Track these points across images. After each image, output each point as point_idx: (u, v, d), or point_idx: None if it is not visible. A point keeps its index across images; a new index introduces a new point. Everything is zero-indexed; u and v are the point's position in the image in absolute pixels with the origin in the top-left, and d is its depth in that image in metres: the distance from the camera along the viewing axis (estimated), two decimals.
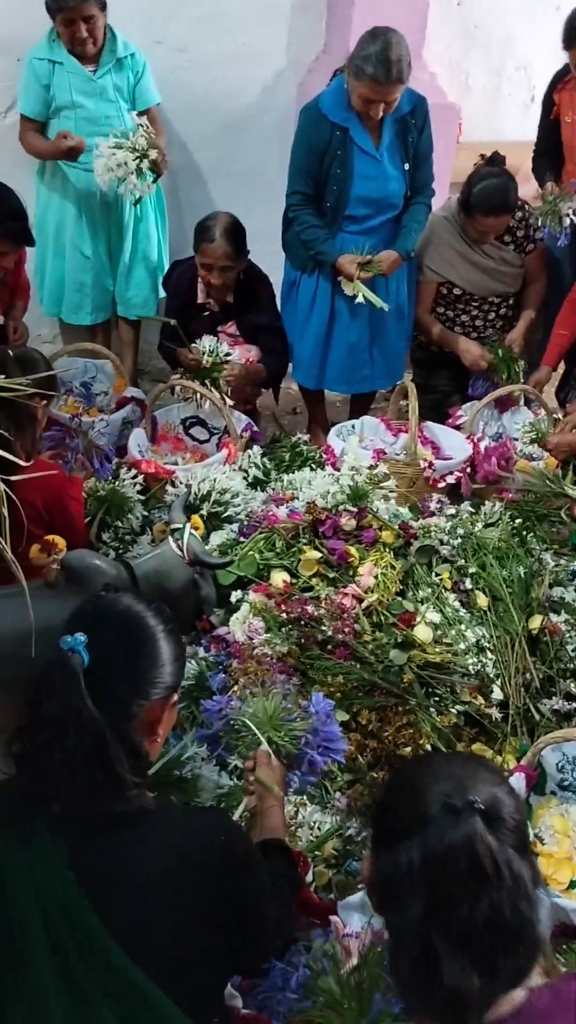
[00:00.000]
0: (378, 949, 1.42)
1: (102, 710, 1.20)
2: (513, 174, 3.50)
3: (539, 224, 3.52)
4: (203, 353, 3.29)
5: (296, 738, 1.62)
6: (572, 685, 2.27)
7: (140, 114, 3.46)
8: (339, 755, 1.68)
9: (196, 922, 1.22)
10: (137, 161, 3.25)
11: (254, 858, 1.36)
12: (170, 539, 2.29)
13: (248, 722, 1.64)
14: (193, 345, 3.32)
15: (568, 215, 3.37)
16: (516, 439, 3.54)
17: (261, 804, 1.56)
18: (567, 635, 2.43)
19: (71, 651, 1.22)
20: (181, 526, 2.30)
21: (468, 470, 3.17)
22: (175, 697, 1.36)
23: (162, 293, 3.80)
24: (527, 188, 4.22)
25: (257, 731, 1.61)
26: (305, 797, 2.00)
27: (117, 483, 2.82)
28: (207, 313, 3.53)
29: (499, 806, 1.03)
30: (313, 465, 3.13)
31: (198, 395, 3.28)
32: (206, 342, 3.33)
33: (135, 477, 2.87)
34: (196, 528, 2.40)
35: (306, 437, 3.47)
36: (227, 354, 3.33)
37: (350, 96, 3.17)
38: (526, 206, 3.57)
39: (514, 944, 0.99)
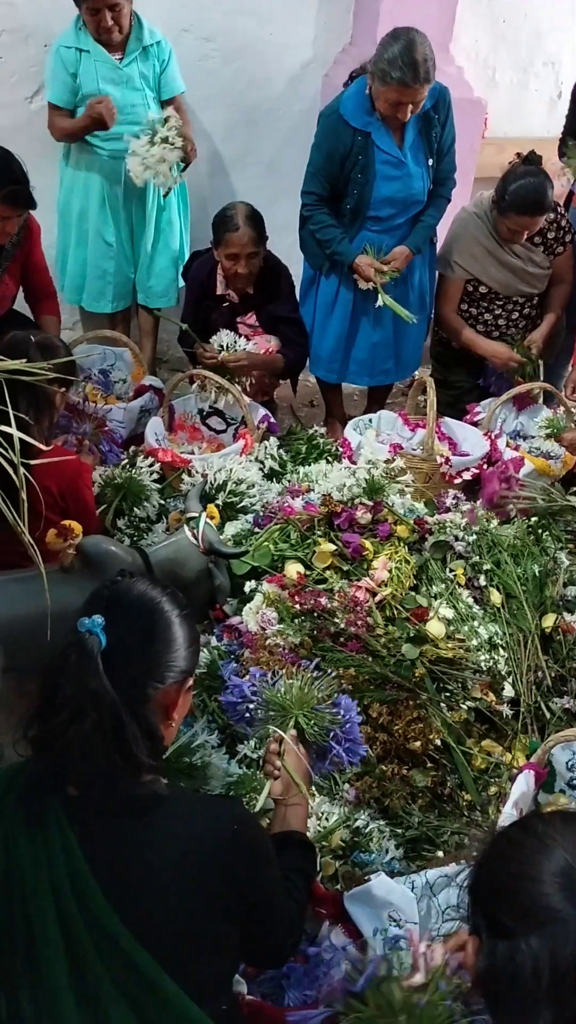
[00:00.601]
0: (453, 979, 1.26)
1: (119, 692, 1.21)
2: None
3: (571, 177, 3.44)
4: (220, 349, 3.29)
5: (324, 728, 1.59)
6: None
7: (166, 103, 3.46)
8: (359, 758, 1.66)
9: (205, 909, 1.23)
10: (176, 154, 3.25)
11: (265, 848, 1.36)
12: (185, 528, 2.30)
13: (278, 701, 1.60)
14: (209, 342, 3.32)
15: None
16: (534, 437, 3.53)
17: (285, 795, 1.54)
18: None
19: (89, 632, 1.23)
20: (197, 515, 2.31)
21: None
22: (190, 682, 1.36)
23: (182, 283, 3.81)
24: (554, 185, 4.21)
25: (287, 711, 1.58)
26: (314, 788, 2.01)
27: (134, 471, 2.83)
28: (226, 304, 3.53)
29: None
30: (329, 458, 3.14)
31: (215, 387, 3.27)
32: (223, 338, 3.33)
33: (152, 465, 2.88)
34: (212, 517, 2.41)
35: (323, 430, 3.47)
36: (234, 344, 3.33)
37: (375, 101, 3.14)
38: (559, 208, 3.54)
39: None
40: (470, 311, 3.68)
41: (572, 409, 3.40)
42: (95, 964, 1.14)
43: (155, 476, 2.87)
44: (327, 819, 1.93)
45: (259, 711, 1.63)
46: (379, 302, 3.35)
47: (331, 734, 1.60)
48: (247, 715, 1.67)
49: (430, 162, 3.35)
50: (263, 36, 4.00)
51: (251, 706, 1.64)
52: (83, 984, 1.14)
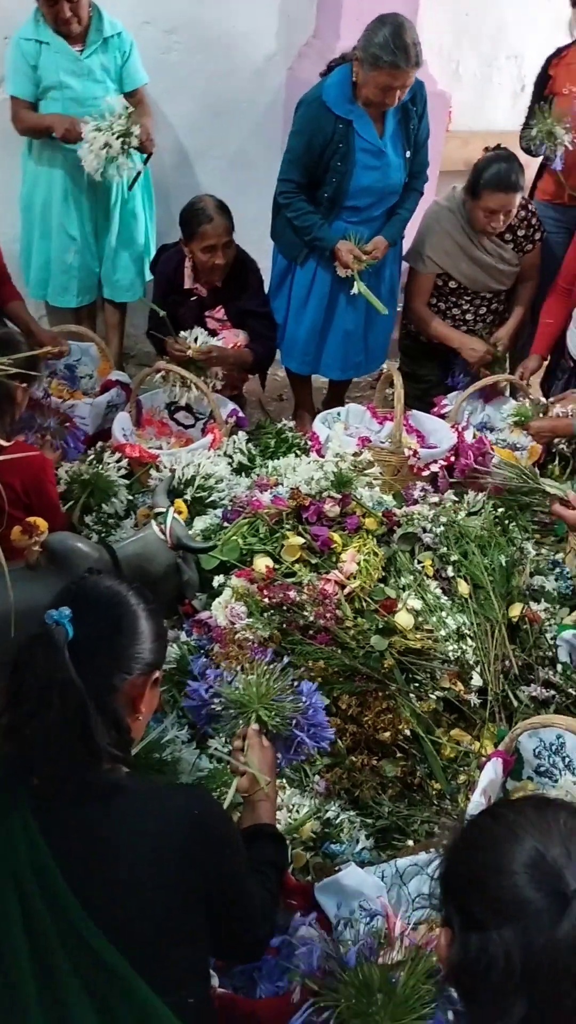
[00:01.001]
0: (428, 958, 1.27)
1: (85, 682, 1.22)
2: None
3: (534, 144, 3.48)
4: (190, 344, 3.27)
5: (286, 719, 1.60)
6: (550, 672, 2.29)
7: (128, 96, 3.43)
8: (326, 742, 1.68)
9: (172, 897, 1.23)
10: (121, 141, 3.22)
11: (231, 834, 1.36)
12: (153, 523, 2.29)
13: (236, 698, 1.61)
14: (181, 335, 3.31)
15: (563, 140, 3.35)
16: (501, 429, 3.56)
17: (251, 789, 1.55)
18: (546, 623, 2.46)
19: (56, 623, 1.25)
20: (164, 510, 2.31)
21: (445, 466, 3.17)
22: (156, 675, 1.37)
23: (149, 276, 3.79)
24: None
25: (246, 707, 1.59)
26: (284, 780, 2.01)
27: (101, 467, 2.81)
28: (194, 298, 3.52)
29: None
30: (298, 451, 3.14)
31: (182, 381, 3.26)
32: (194, 333, 3.31)
33: (119, 461, 2.86)
34: (179, 512, 2.40)
35: (291, 423, 3.47)
36: (205, 343, 3.32)
37: (362, 88, 3.14)
38: (529, 205, 3.57)
39: None
40: (439, 305, 3.70)
41: (537, 399, 3.43)
42: (58, 954, 1.15)
43: (123, 472, 2.86)
44: (297, 811, 1.93)
45: (221, 711, 1.64)
46: (354, 290, 3.35)
47: (294, 722, 1.61)
48: (211, 716, 1.69)
49: (407, 154, 3.37)
50: (226, 28, 3.99)
51: (212, 707, 1.65)
52: (45, 974, 1.14)
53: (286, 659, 1.78)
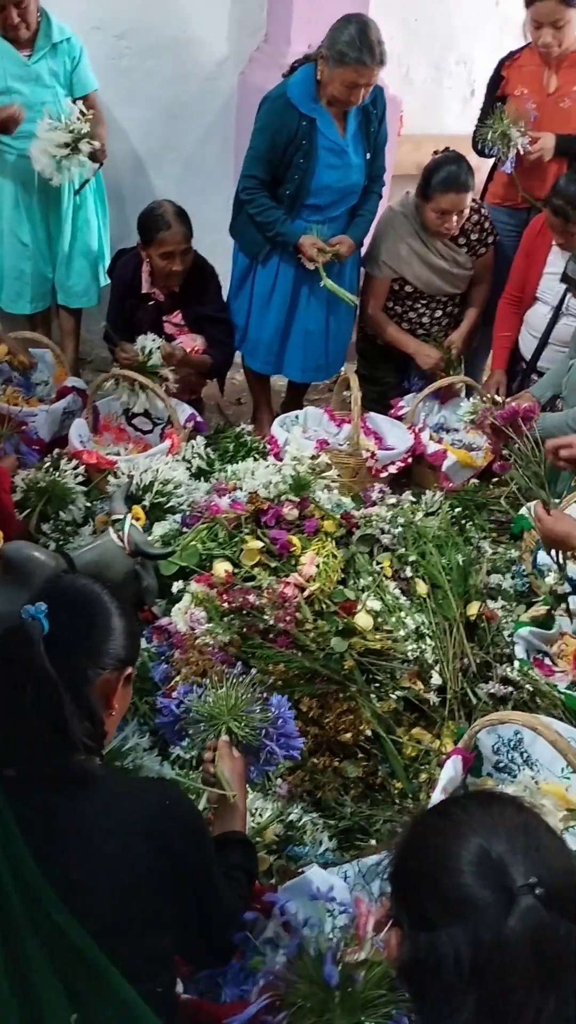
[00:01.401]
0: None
1: (60, 674, 1.25)
2: None
3: (487, 145, 3.51)
4: (139, 352, 3.26)
5: (256, 729, 1.63)
6: (508, 669, 2.32)
7: (76, 100, 3.41)
8: (296, 751, 1.70)
9: (142, 884, 1.24)
10: (74, 142, 3.21)
11: (201, 826, 1.38)
12: (111, 530, 2.28)
13: (207, 711, 1.64)
14: (139, 340, 3.29)
15: (516, 143, 3.41)
16: (457, 429, 3.60)
17: (222, 800, 1.57)
18: (503, 621, 2.49)
19: (32, 618, 1.27)
20: (122, 517, 2.30)
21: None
22: (129, 671, 1.40)
23: (105, 281, 3.77)
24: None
25: (217, 720, 1.62)
26: (247, 784, 2.02)
27: (58, 474, 2.79)
28: (152, 303, 3.51)
29: (556, 878, 0.87)
30: (257, 455, 3.14)
31: (132, 386, 3.25)
32: (148, 339, 3.30)
33: (76, 468, 2.84)
34: (137, 518, 2.40)
35: (250, 427, 3.48)
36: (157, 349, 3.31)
37: (326, 86, 3.18)
38: (482, 209, 3.61)
39: None
40: (395, 309, 3.73)
41: (492, 396, 3.47)
42: (30, 941, 1.15)
43: (80, 479, 2.84)
44: (260, 815, 1.94)
45: (191, 725, 1.67)
46: (322, 283, 3.36)
47: (263, 732, 1.64)
48: (182, 731, 1.71)
49: (367, 156, 3.40)
50: (177, 34, 3.98)
51: (184, 721, 1.68)
52: (17, 960, 1.15)
53: (253, 671, 1.80)
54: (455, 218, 3.45)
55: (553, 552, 2.31)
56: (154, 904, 1.25)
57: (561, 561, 2.31)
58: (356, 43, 3.04)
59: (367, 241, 3.65)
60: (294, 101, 3.23)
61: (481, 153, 3.66)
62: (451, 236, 3.53)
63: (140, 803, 1.30)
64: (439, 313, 3.74)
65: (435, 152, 3.51)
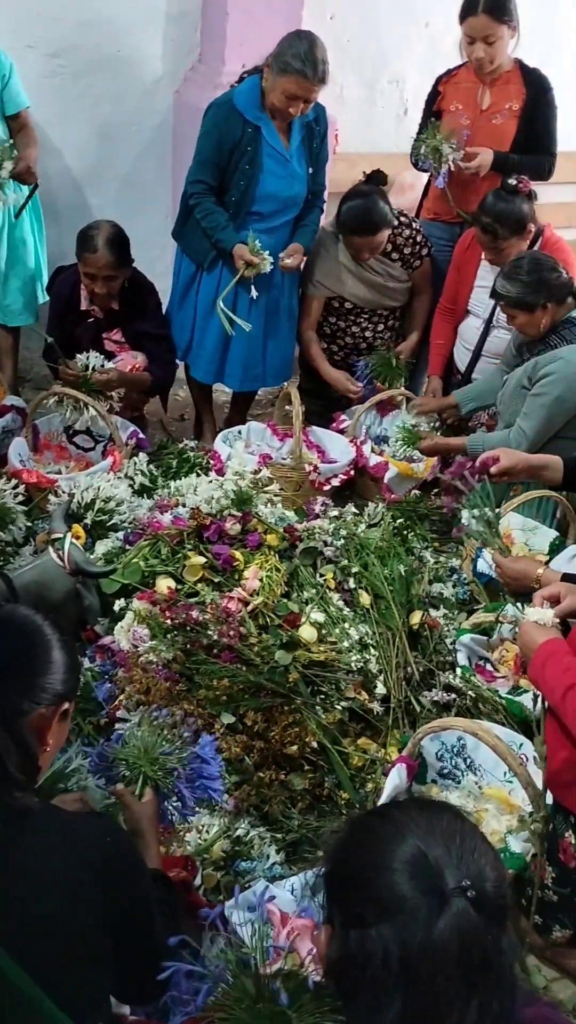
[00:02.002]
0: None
1: None
2: (386, 190, 3.59)
3: (421, 159, 3.57)
4: (83, 368, 3.25)
5: (170, 770, 1.67)
6: (451, 676, 2.36)
7: (10, 119, 3.39)
8: (216, 794, 1.74)
9: (81, 921, 1.22)
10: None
11: (139, 862, 1.38)
12: (51, 549, 2.26)
13: (123, 756, 1.69)
14: (78, 357, 3.28)
15: (448, 158, 3.47)
16: (397, 440, 3.65)
17: (134, 839, 1.58)
18: (445, 628, 2.53)
19: None
20: (62, 535, 2.28)
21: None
22: (66, 706, 1.37)
23: (44, 299, 3.74)
24: (403, 199, 4.36)
25: (134, 764, 1.66)
26: (191, 801, 2.01)
27: None
28: (91, 320, 3.49)
29: (487, 884, 0.89)
30: (200, 471, 3.15)
31: (75, 404, 3.23)
32: (88, 358, 3.29)
33: (16, 487, 2.81)
34: (77, 537, 2.38)
35: (193, 443, 3.48)
36: (102, 367, 3.30)
37: (269, 94, 3.23)
38: (414, 223, 3.67)
39: None
40: (338, 324, 3.77)
41: (425, 419, 3.54)
42: None
43: (20, 498, 2.81)
44: (207, 831, 1.93)
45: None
46: (251, 293, 3.39)
47: (176, 774, 1.68)
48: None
49: (310, 170, 3.45)
50: (111, 52, 3.99)
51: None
52: None
53: (181, 714, 1.87)
54: (367, 253, 3.52)
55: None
56: (92, 939, 1.24)
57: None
58: (301, 56, 3.12)
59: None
60: (240, 107, 3.28)
61: (416, 166, 3.73)
62: (383, 252, 3.59)
63: (79, 838, 1.28)
64: (381, 327, 3.79)
65: (364, 173, 3.57)
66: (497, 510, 2.67)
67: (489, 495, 2.31)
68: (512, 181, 3.26)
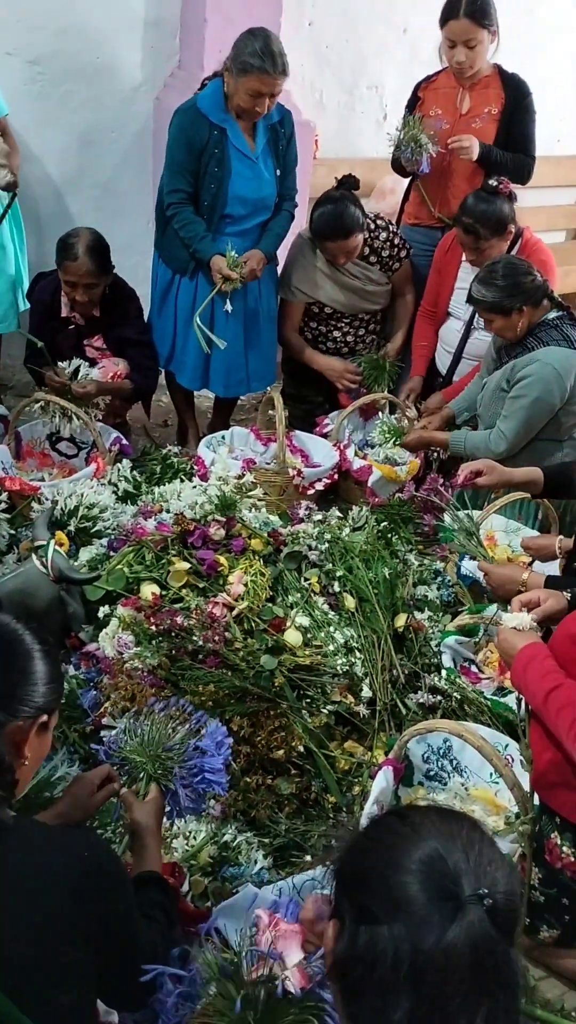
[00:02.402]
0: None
1: None
2: (364, 194, 3.60)
3: (403, 148, 3.57)
4: (70, 376, 3.24)
5: (170, 769, 1.63)
6: (436, 678, 2.36)
7: None
8: (220, 787, 1.68)
9: (58, 937, 1.20)
10: None
11: (121, 873, 1.35)
12: (34, 556, 2.25)
13: (127, 754, 1.64)
14: (60, 365, 3.27)
15: (427, 146, 3.49)
16: (381, 444, 3.66)
17: (135, 842, 1.56)
18: (430, 631, 2.54)
19: None
20: (45, 543, 2.27)
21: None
22: (44, 719, 1.34)
23: (25, 306, 3.73)
24: (383, 204, 4.38)
25: (138, 764, 1.62)
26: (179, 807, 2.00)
27: None
28: (72, 327, 3.49)
29: (502, 894, 0.88)
30: (183, 477, 3.14)
31: (63, 411, 3.22)
32: (75, 363, 3.29)
33: None
34: (61, 544, 2.37)
35: (177, 449, 3.48)
36: (86, 375, 3.29)
37: (233, 97, 3.24)
38: (391, 226, 3.68)
39: None
40: (319, 329, 3.78)
41: (408, 414, 3.55)
42: None
43: (3, 506, 2.80)
44: (194, 837, 1.93)
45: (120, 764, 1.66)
46: (226, 307, 3.39)
47: (175, 771, 1.63)
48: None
49: (278, 172, 3.45)
50: (91, 60, 3.99)
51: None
52: None
53: (182, 701, 1.79)
54: (345, 256, 3.53)
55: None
56: (72, 955, 1.21)
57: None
58: (259, 53, 3.12)
59: (279, 268, 3.69)
60: (204, 111, 3.28)
61: (399, 168, 3.75)
62: (361, 256, 3.60)
63: (58, 855, 1.25)
64: (362, 331, 3.80)
65: (336, 179, 3.57)
66: (478, 512, 2.70)
67: (466, 504, 2.34)
68: (493, 182, 3.28)
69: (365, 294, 3.69)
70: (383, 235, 3.63)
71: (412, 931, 0.85)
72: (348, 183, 3.54)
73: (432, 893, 0.87)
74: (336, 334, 3.78)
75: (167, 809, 1.65)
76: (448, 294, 3.57)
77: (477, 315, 3.34)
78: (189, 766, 1.64)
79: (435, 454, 3.52)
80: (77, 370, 3.31)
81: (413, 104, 3.73)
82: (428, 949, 0.84)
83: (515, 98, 3.56)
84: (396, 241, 3.67)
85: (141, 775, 1.63)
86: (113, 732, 1.72)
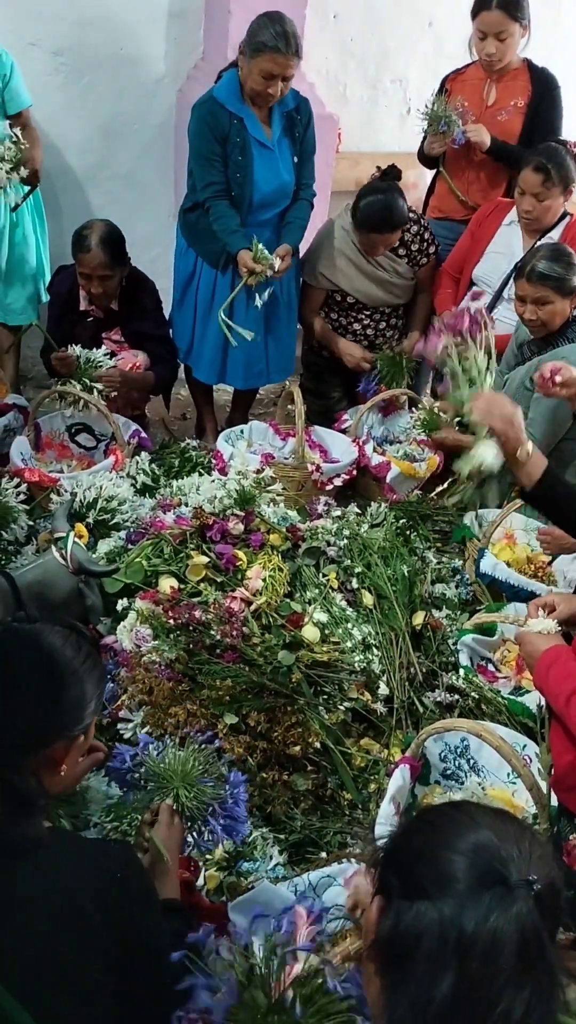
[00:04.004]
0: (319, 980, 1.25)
1: None
2: (402, 189, 3.59)
3: (434, 123, 3.56)
4: (77, 357, 3.24)
5: (204, 803, 1.60)
6: (453, 677, 2.35)
7: (12, 119, 3.38)
8: (238, 837, 1.67)
9: (85, 957, 1.18)
10: (9, 168, 3.17)
11: (151, 895, 1.33)
12: (53, 548, 2.25)
13: (159, 771, 1.61)
14: (63, 350, 3.27)
15: (457, 123, 3.48)
16: (401, 441, 3.65)
17: (158, 863, 1.52)
18: (448, 629, 2.52)
19: None
20: (64, 534, 2.27)
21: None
22: (80, 738, 1.32)
23: (46, 298, 3.73)
24: (411, 196, 4.35)
25: (167, 783, 1.59)
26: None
27: None
28: (91, 319, 3.49)
29: (549, 886, 0.90)
30: (202, 470, 3.14)
31: (76, 401, 3.23)
32: (96, 353, 3.29)
33: (18, 486, 2.81)
34: (80, 536, 2.37)
35: (195, 442, 3.47)
36: (99, 364, 3.29)
37: (247, 81, 3.22)
38: (422, 220, 3.66)
39: None
40: (339, 320, 3.76)
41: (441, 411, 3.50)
42: None
43: (22, 497, 2.80)
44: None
45: (142, 779, 1.63)
46: (258, 302, 3.38)
47: (210, 809, 1.60)
48: (133, 783, 1.67)
49: (295, 160, 3.43)
50: (114, 51, 3.99)
51: (135, 774, 1.63)
52: None
53: (217, 742, 1.77)
54: (381, 249, 3.51)
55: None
56: (98, 977, 1.19)
57: None
58: (273, 33, 3.11)
59: (303, 248, 3.66)
60: (221, 101, 3.27)
61: (425, 161, 3.72)
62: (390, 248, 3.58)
63: (90, 874, 1.22)
64: (383, 325, 3.78)
65: (377, 168, 3.55)
66: (498, 511, 2.68)
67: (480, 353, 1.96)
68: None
69: (389, 287, 3.67)
70: (414, 228, 3.60)
71: (460, 909, 0.87)
72: (392, 174, 3.51)
73: (483, 875, 0.89)
74: (356, 326, 3.76)
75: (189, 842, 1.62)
76: (477, 258, 3.52)
77: (509, 285, 3.29)
78: (222, 805, 1.61)
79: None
80: (93, 359, 3.30)
81: (440, 96, 3.72)
82: (475, 928, 0.87)
83: (542, 91, 3.53)
84: (426, 236, 3.65)
85: (171, 797, 1.58)
86: (141, 743, 1.68)
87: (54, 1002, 1.15)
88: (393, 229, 3.46)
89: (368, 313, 3.73)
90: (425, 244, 3.65)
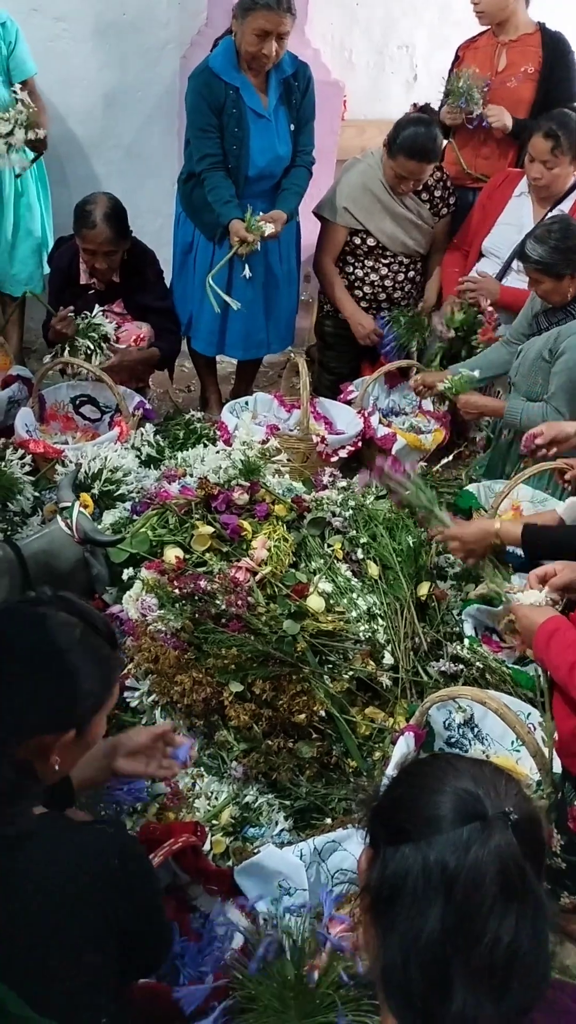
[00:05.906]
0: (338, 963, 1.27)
1: None
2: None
3: (457, 103, 3.53)
4: (77, 325, 3.23)
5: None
6: (458, 647, 2.35)
7: (21, 85, 3.34)
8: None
9: (81, 943, 1.18)
10: (13, 133, 3.14)
11: (148, 877, 1.33)
12: (59, 518, 2.25)
13: None
14: (62, 309, 3.25)
15: (478, 101, 3.46)
16: (406, 413, 3.63)
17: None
18: (452, 599, 2.53)
19: None
20: (70, 504, 2.27)
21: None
22: (71, 732, 1.29)
23: (48, 269, 3.71)
24: None
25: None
26: (202, 768, 2.02)
27: (4, 464, 2.75)
28: (92, 292, 3.47)
29: (529, 821, 0.94)
30: (207, 442, 3.13)
31: (84, 371, 3.22)
32: (94, 315, 3.28)
33: (23, 457, 2.81)
34: (85, 506, 2.37)
35: (200, 414, 3.46)
36: (99, 325, 3.27)
37: (240, 44, 3.18)
38: (443, 169, 3.63)
39: (530, 971, 0.90)
40: (355, 272, 3.71)
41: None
42: None
43: (27, 468, 2.80)
44: (216, 797, 1.94)
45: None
46: (245, 273, 3.36)
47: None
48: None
49: (292, 127, 3.39)
50: (116, 17, 3.93)
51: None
52: None
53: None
54: (411, 183, 3.47)
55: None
56: (97, 961, 1.19)
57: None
58: None
59: (322, 191, 3.62)
60: (217, 71, 3.23)
61: (440, 127, 3.69)
62: (415, 191, 3.54)
63: (84, 865, 1.20)
64: (401, 277, 3.72)
65: (413, 106, 3.51)
66: (506, 482, 2.67)
67: (420, 483, 2.41)
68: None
69: (412, 228, 3.62)
70: (437, 174, 3.58)
71: (442, 845, 0.91)
72: (428, 110, 3.49)
73: (461, 812, 0.93)
74: (374, 277, 3.70)
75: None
76: (488, 230, 3.49)
77: (515, 260, 3.27)
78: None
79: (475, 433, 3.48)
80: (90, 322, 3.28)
81: (454, 65, 3.67)
82: (457, 862, 0.90)
83: (554, 56, 3.48)
84: (448, 184, 3.64)
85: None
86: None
87: (54, 990, 1.15)
88: (430, 160, 3.42)
89: (386, 262, 3.67)
90: (447, 193, 3.63)
